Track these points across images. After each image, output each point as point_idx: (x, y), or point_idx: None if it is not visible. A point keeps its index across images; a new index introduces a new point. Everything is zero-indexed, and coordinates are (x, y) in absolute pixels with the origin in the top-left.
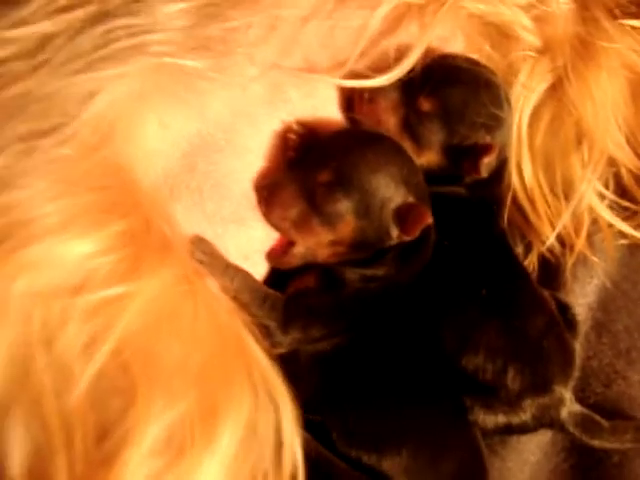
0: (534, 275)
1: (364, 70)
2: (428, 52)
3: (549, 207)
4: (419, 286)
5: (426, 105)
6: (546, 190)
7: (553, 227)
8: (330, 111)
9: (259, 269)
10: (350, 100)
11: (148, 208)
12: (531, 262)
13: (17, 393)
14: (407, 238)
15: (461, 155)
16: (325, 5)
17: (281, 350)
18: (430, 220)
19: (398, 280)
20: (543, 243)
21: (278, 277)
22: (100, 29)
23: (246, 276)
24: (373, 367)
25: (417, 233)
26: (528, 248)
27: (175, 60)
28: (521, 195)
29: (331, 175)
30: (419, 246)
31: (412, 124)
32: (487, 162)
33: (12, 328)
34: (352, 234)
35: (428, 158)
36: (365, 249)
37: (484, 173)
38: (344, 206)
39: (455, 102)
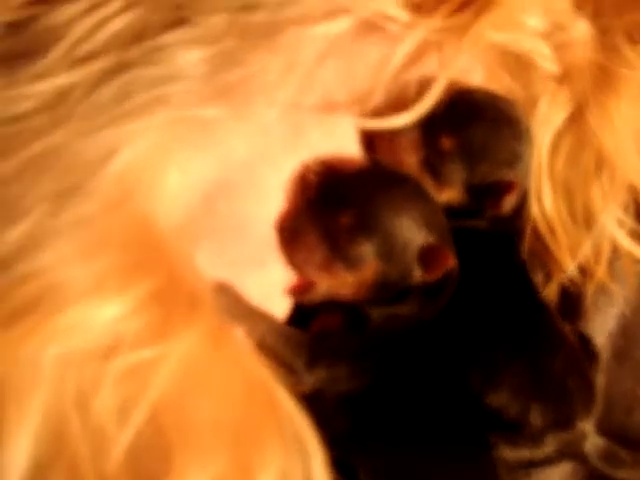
0: (554, 304)
1: (384, 107)
2: (449, 86)
3: (569, 236)
4: (443, 323)
5: (447, 144)
6: (566, 219)
7: (573, 256)
8: (350, 150)
9: (281, 309)
10: (370, 139)
11: (173, 260)
12: (551, 291)
13: (54, 459)
14: (430, 279)
15: (483, 193)
16: (343, 41)
17: (307, 388)
18: (453, 262)
19: (422, 318)
20: (563, 272)
21: (301, 315)
22: (120, 80)
23: (270, 318)
24: (399, 407)
25: (440, 275)
26: (548, 277)
27: (196, 111)
28: (541, 224)
29: (353, 218)
30: (442, 285)
31: (433, 163)
32: (510, 200)
33: (46, 394)
34: (375, 276)
35: (449, 195)
36: (388, 290)
37: (506, 210)
38: (367, 250)
39: (477, 140)
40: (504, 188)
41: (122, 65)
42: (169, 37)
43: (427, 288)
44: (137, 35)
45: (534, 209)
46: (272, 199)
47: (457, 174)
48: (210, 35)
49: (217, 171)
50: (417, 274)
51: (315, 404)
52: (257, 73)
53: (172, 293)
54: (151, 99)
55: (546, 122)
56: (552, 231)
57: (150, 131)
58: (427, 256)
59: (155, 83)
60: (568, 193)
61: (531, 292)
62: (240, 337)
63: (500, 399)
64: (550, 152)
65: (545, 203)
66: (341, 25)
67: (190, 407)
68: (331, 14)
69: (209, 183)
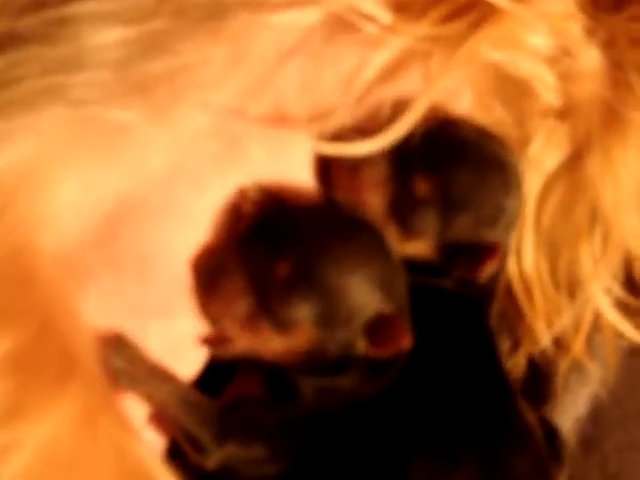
0: (519, 380)
1: (349, 128)
2: (431, 111)
3: (547, 301)
4: (387, 402)
5: (422, 187)
6: (547, 281)
7: (549, 324)
8: (300, 179)
9: (190, 369)
10: (327, 167)
11: (48, 305)
12: (518, 363)
13: None
14: (376, 356)
15: (458, 252)
16: (307, 39)
17: (214, 466)
18: (407, 341)
19: (362, 394)
20: (534, 342)
21: (214, 376)
22: (5, 58)
23: (174, 380)
24: None
25: (390, 353)
26: (516, 345)
27: (102, 110)
28: (516, 283)
29: (290, 268)
30: (391, 362)
31: (402, 208)
32: (490, 267)
33: None
34: (308, 344)
35: (415, 249)
36: (323, 359)
37: (484, 278)
38: (302, 312)
39: (458, 188)
40: (485, 252)
41: (10, 38)
42: (77, 8)
43: (371, 363)
44: (34, 1)
45: (511, 264)
46: (191, 229)
47: (430, 225)
48: (133, 10)
49: (125, 187)
50: (360, 346)
51: None
52: (191, 65)
53: (39, 353)
54: (44, 87)
55: (537, 165)
56: (529, 293)
57: (39, 129)
58: (377, 329)
59: (52, 67)
60: (553, 250)
61: (498, 372)
62: (126, 412)
63: None
64: (538, 200)
65: (525, 260)
66: (307, 17)
67: None
68: (296, 2)
69: (113, 202)
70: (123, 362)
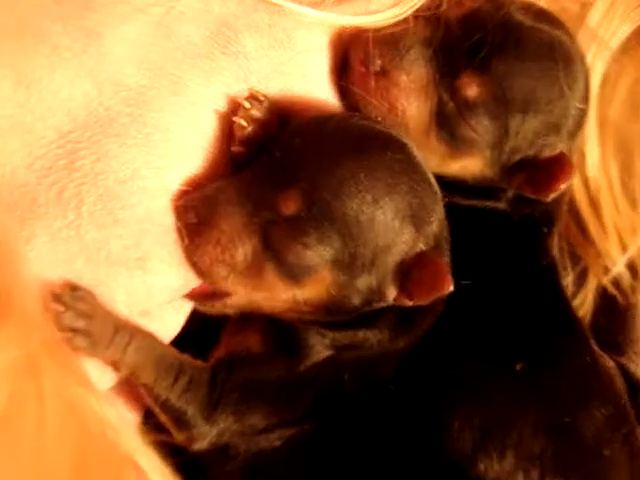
0: (588, 321)
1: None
2: None
3: (621, 217)
4: (420, 355)
5: (473, 88)
6: (617, 190)
7: (622, 247)
8: (311, 79)
9: (169, 327)
10: (346, 67)
11: None
12: (586, 299)
13: None
14: (410, 304)
15: (519, 167)
16: None
17: (202, 446)
18: (448, 286)
19: (392, 349)
20: (606, 270)
21: (202, 330)
22: None
23: (148, 342)
24: (341, 474)
25: (427, 301)
26: (582, 277)
27: None
28: (580, 196)
29: (300, 202)
30: (426, 309)
31: (448, 115)
32: (562, 184)
33: None
34: (326, 294)
35: (464, 165)
36: (344, 312)
37: (550, 199)
38: (316, 254)
39: (516, 86)
40: (557, 165)
41: None
42: None
43: (403, 313)
44: None
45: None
46: (172, 152)
47: (484, 134)
48: None
49: (81, 92)
50: (391, 294)
51: (214, 469)
52: None
53: None
54: None
55: (597, 43)
56: (595, 206)
57: None
58: (411, 272)
59: None
60: (624, 152)
61: (564, 311)
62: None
63: (499, 467)
64: (601, 90)
65: (589, 164)
66: None
67: None
68: None
69: (67, 111)
70: (80, 319)
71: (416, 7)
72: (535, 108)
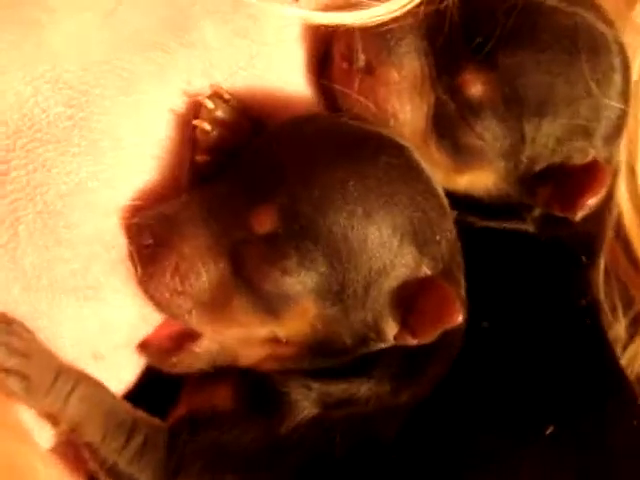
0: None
1: None
2: None
3: None
4: (428, 413)
5: (477, 87)
6: None
7: None
8: (284, 74)
9: (121, 376)
10: (327, 61)
11: None
12: (636, 340)
13: None
14: (414, 342)
15: (541, 179)
16: None
17: None
18: (459, 318)
19: (393, 404)
20: None
21: (160, 381)
22: None
23: (95, 388)
24: None
25: (433, 336)
26: (635, 323)
27: None
28: (630, 221)
29: (276, 217)
30: (435, 347)
31: (448, 120)
32: (592, 197)
33: None
34: (311, 330)
35: (473, 180)
36: (333, 354)
37: (582, 214)
38: (298, 281)
39: (536, 84)
40: (584, 174)
41: None
42: None
43: (407, 356)
44: None
45: (620, 194)
46: (123, 159)
47: (493, 141)
48: None
49: (20, 89)
50: (390, 330)
51: None
52: None
53: None
54: None
55: None
56: None
57: None
58: (414, 302)
59: None
60: None
61: (602, 355)
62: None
63: None
64: None
65: None
66: None
67: None
68: None
69: (4, 110)
70: (13, 357)
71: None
72: (554, 110)
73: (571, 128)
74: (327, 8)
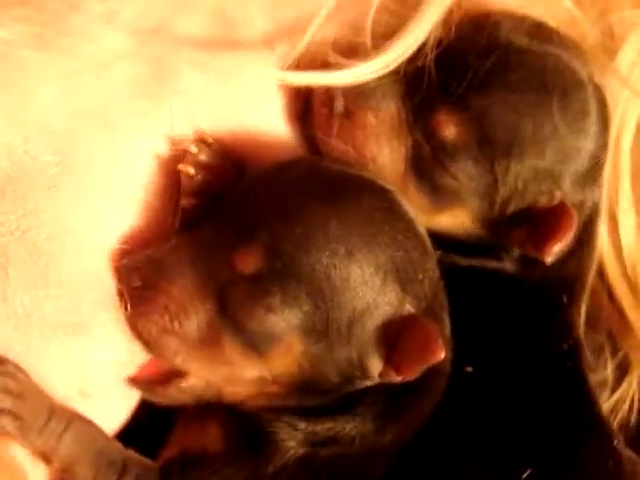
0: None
1: (331, 45)
2: (457, 8)
3: None
4: (413, 455)
5: (450, 129)
6: None
7: None
8: (267, 119)
9: (112, 415)
10: (307, 107)
11: None
12: (627, 395)
13: None
14: (398, 379)
15: (511, 223)
16: None
17: None
18: (441, 355)
19: (377, 444)
20: None
21: (151, 421)
22: None
23: (87, 428)
24: None
25: (417, 373)
26: (622, 369)
27: None
28: (613, 270)
29: (260, 257)
30: (420, 387)
31: (424, 161)
32: (562, 241)
33: None
34: (298, 369)
35: (452, 220)
36: (319, 392)
37: (551, 256)
38: (283, 319)
39: (505, 125)
40: (551, 220)
41: None
42: None
43: (391, 391)
44: None
45: (603, 241)
46: (110, 204)
47: (469, 182)
48: None
49: (7, 139)
50: (375, 367)
51: None
52: None
53: None
54: None
55: (631, 84)
56: (633, 283)
57: None
58: (396, 337)
59: None
60: None
61: (586, 404)
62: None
63: None
64: (636, 144)
65: (623, 231)
66: None
67: None
68: None
69: None
70: (7, 398)
71: (403, 58)
72: (521, 151)
73: (537, 170)
74: (306, 61)
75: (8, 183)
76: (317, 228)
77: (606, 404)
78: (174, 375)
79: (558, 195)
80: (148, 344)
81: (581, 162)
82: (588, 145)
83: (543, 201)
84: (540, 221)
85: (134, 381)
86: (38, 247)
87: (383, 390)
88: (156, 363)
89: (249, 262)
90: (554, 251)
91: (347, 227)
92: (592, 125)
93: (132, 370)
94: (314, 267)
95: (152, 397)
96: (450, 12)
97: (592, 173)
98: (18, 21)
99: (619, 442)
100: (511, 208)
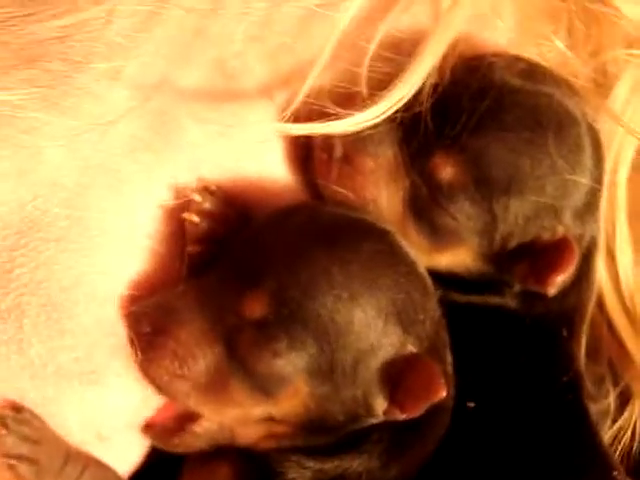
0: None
1: (328, 95)
2: (452, 50)
3: None
4: None
5: (447, 170)
6: None
7: None
8: (269, 167)
9: (126, 458)
10: (307, 153)
11: None
12: (628, 424)
13: None
14: (402, 417)
15: (513, 258)
16: None
17: None
18: (443, 393)
19: (383, 479)
20: None
21: (163, 463)
22: None
23: (103, 472)
24: None
25: (420, 411)
26: (624, 398)
27: None
28: (613, 303)
29: (266, 303)
30: (424, 423)
31: (422, 203)
32: (563, 274)
33: None
34: (304, 409)
35: (453, 259)
36: (326, 431)
37: (555, 290)
38: (289, 363)
39: (501, 163)
40: (552, 254)
41: None
42: None
43: (396, 428)
44: None
45: (602, 276)
46: (119, 253)
47: (467, 222)
48: None
49: (16, 197)
50: (379, 405)
51: None
52: (90, 22)
53: None
54: None
55: (625, 121)
56: (632, 315)
57: None
58: (399, 376)
59: None
60: None
61: (587, 437)
62: None
63: None
64: (632, 180)
65: (621, 266)
66: None
67: None
68: None
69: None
70: (24, 444)
71: (399, 106)
72: (520, 188)
73: (538, 206)
74: (303, 109)
75: (21, 237)
76: (321, 274)
77: (608, 433)
78: (188, 419)
79: (560, 230)
80: (160, 388)
81: (579, 196)
82: (585, 179)
83: (546, 236)
84: (542, 254)
85: (149, 429)
86: (51, 298)
87: (388, 427)
88: (171, 406)
89: (256, 308)
90: (557, 283)
91: (349, 272)
92: (588, 159)
93: (147, 413)
94: (319, 312)
95: (166, 446)
96: (445, 57)
97: (590, 207)
98: (24, 83)
99: (619, 473)
100: (512, 243)
